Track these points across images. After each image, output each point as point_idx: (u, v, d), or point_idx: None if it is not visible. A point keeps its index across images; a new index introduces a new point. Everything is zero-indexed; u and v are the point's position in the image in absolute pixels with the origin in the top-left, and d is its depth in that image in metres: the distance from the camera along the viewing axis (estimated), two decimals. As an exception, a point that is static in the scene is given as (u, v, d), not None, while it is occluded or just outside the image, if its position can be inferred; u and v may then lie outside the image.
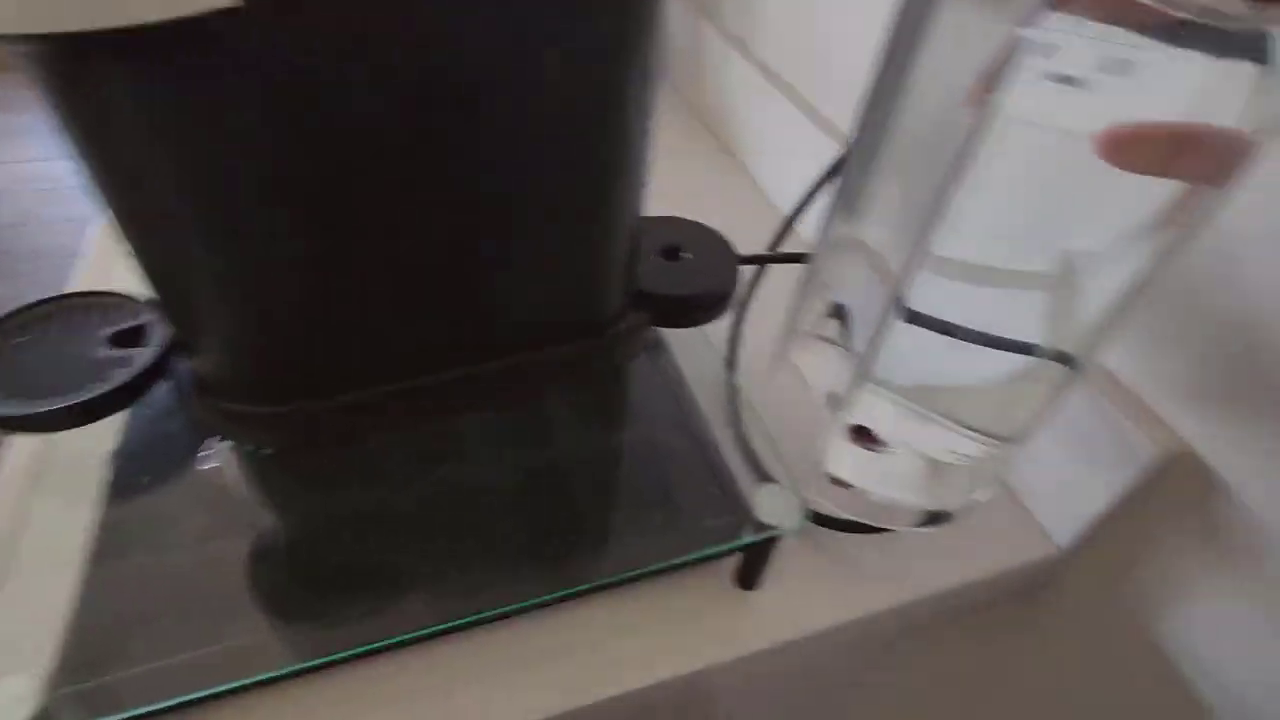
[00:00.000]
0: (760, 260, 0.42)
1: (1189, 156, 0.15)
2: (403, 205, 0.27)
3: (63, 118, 0.23)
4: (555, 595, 0.32)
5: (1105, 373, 0.35)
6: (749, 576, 0.35)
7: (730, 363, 0.42)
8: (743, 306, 0.43)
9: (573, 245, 0.32)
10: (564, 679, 0.32)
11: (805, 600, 0.35)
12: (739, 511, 0.34)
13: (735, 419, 0.39)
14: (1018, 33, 0.15)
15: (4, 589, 0.26)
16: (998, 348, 0.20)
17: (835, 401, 0.24)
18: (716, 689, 0.35)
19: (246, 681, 0.26)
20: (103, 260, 0.48)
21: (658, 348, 0.42)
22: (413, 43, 0.22)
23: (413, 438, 0.33)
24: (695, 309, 0.37)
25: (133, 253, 0.27)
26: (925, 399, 0.22)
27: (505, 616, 0.32)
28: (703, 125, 0.69)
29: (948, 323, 0.20)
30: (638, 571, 0.32)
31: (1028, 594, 0.41)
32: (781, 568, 0.36)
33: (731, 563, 0.35)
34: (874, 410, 0.23)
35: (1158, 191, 0.15)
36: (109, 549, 0.28)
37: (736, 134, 0.65)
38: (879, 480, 0.25)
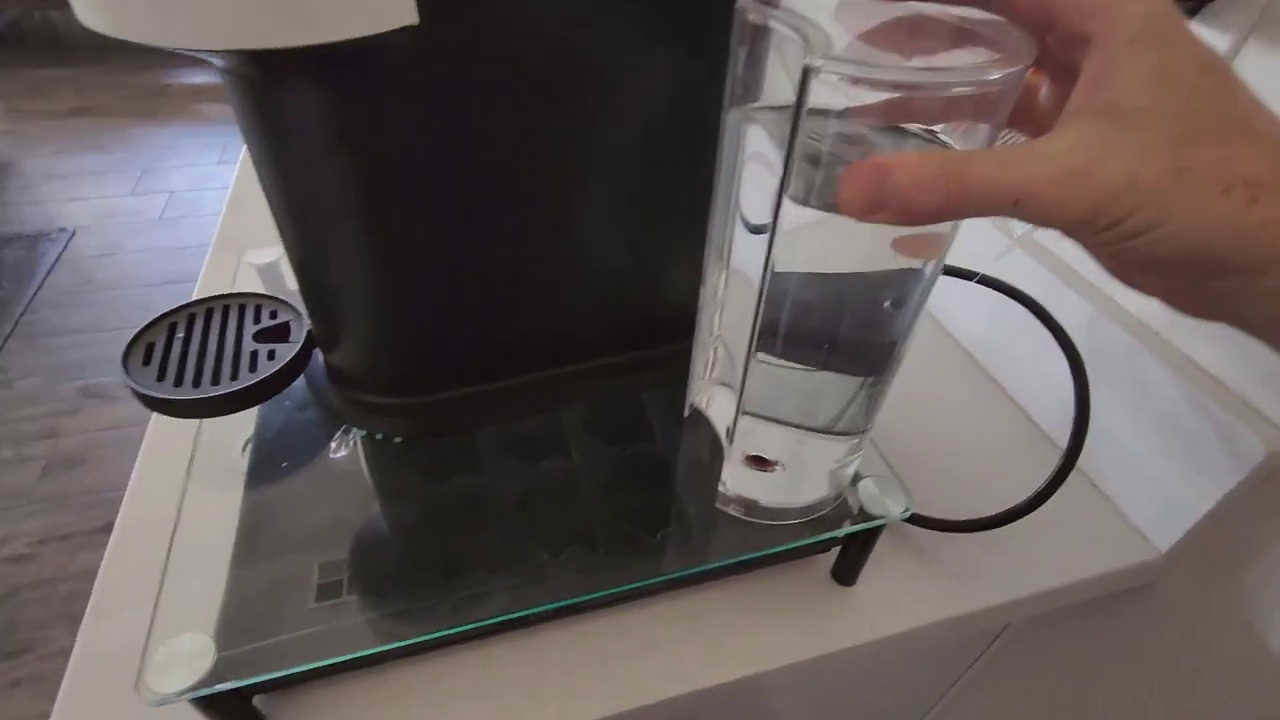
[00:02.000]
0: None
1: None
2: (537, 207, 0.29)
3: (248, 125, 0.26)
4: (659, 580, 0.33)
5: (1209, 375, 0.35)
6: (848, 571, 0.35)
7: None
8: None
9: (673, 247, 0.33)
10: (668, 667, 0.33)
11: (902, 597, 0.36)
12: (839, 504, 0.34)
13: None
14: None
15: (172, 559, 0.28)
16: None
17: (729, 435, 0.27)
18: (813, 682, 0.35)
19: (380, 649, 0.28)
20: (217, 271, 0.52)
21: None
22: (567, 52, 0.25)
23: (522, 430, 0.35)
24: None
25: (292, 253, 0.30)
26: (794, 419, 0.27)
27: (612, 602, 0.33)
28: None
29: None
30: (739, 558, 0.33)
31: (1124, 597, 0.41)
32: (874, 566, 0.36)
33: (827, 560, 0.36)
34: (757, 438, 0.27)
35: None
36: (253, 527, 0.30)
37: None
38: (781, 492, 0.29)
